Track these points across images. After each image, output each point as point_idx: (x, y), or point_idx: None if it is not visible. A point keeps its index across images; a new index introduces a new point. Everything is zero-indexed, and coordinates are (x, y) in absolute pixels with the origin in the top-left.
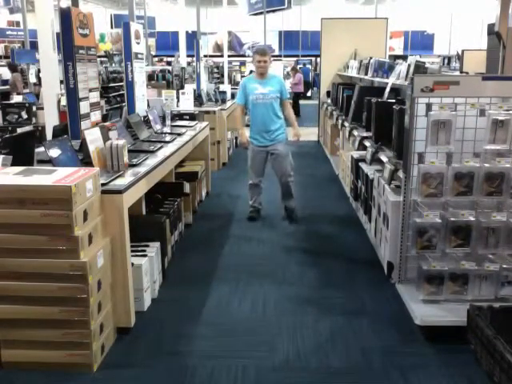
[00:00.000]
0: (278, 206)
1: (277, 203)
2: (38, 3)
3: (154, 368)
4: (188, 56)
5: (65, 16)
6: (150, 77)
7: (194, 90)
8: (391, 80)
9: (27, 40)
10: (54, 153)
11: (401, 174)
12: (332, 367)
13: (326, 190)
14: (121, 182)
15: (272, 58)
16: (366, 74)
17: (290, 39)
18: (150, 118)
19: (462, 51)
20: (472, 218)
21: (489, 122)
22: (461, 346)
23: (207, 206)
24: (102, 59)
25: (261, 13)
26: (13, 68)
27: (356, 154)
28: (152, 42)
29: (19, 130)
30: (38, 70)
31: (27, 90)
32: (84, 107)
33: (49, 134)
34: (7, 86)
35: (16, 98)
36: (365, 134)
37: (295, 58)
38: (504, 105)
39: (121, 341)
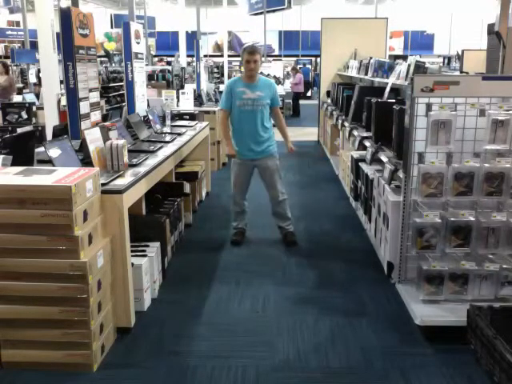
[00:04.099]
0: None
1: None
2: (38, 3)
3: (153, 368)
4: (188, 56)
5: (65, 16)
6: (150, 77)
7: (194, 90)
8: (391, 80)
9: (27, 40)
10: (54, 153)
11: (401, 174)
12: (332, 367)
13: (326, 190)
14: (121, 182)
15: (271, 58)
16: (366, 74)
17: (289, 39)
18: (150, 117)
19: (462, 51)
20: (472, 218)
21: (489, 122)
22: (461, 346)
23: (207, 206)
24: (102, 59)
25: (261, 13)
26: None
27: (356, 154)
28: (152, 41)
29: (19, 130)
30: (38, 70)
31: (27, 90)
32: (84, 107)
33: (49, 134)
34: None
35: (16, 98)
36: (365, 134)
37: (295, 58)
38: (504, 105)
39: (121, 341)
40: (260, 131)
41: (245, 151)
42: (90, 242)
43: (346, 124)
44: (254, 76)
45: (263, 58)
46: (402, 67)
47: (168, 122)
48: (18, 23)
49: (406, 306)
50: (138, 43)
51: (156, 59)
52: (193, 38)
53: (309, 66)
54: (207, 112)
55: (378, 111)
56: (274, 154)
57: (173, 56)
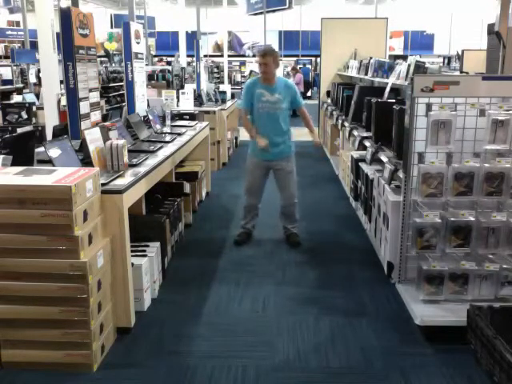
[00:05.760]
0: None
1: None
2: (38, 3)
3: (153, 368)
4: (188, 56)
5: (65, 16)
6: (150, 77)
7: (194, 90)
8: (391, 80)
9: (27, 40)
10: (54, 153)
11: (401, 174)
12: (332, 367)
13: (326, 190)
14: (121, 182)
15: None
16: (366, 74)
17: (290, 39)
18: (150, 117)
19: (462, 51)
20: (472, 218)
21: (489, 122)
22: (461, 346)
23: (207, 206)
24: (102, 59)
25: (261, 13)
26: None
27: (356, 154)
28: (152, 41)
29: (19, 130)
30: (38, 70)
31: (27, 90)
32: (84, 107)
33: (49, 134)
34: (8, 86)
35: (16, 98)
36: (365, 134)
37: (295, 58)
38: (504, 105)
39: (121, 341)
40: (277, 134)
41: (261, 151)
42: (90, 242)
43: (346, 124)
44: (269, 79)
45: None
46: (402, 67)
47: (168, 122)
48: (18, 23)
49: (406, 306)
50: (138, 43)
51: (156, 59)
52: (193, 38)
53: (309, 66)
54: (207, 112)
55: (378, 111)
56: (290, 155)
57: (173, 56)
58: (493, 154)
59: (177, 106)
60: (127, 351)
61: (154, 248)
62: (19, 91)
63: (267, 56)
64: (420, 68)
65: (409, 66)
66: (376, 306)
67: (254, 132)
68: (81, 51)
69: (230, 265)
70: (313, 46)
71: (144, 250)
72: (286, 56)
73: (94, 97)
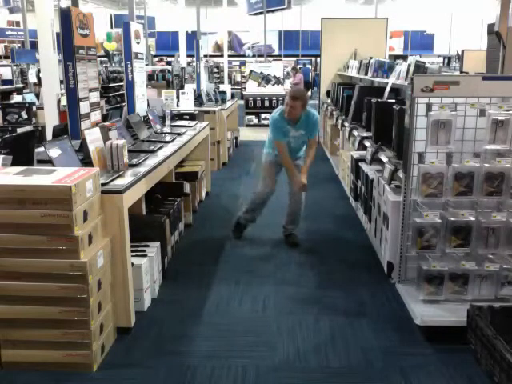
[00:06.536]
0: (279, 206)
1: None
2: (38, 3)
3: (154, 368)
4: (188, 56)
5: (65, 16)
6: (150, 77)
7: (194, 90)
8: (391, 80)
9: (27, 40)
10: (54, 153)
11: (401, 174)
12: (332, 367)
13: (326, 190)
14: (121, 182)
15: (271, 58)
16: (366, 74)
17: (289, 39)
18: (150, 117)
19: (462, 51)
20: (472, 218)
21: (489, 122)
22: (461, 346)
23: (207, 206)
24: (102, 59)
25: (261, 13)
26: None
27: (356, 154)
28: (152, 41)
29: (19, 130)
30: (38, 70)
31: (27, 90)
32: (84, 107)
33: (49, 134)
34: (8, 86)
35: (16, 98)
36: (365, 134)
37: (295, 58)
38: (504, 105)
39: (121, 341)
40: (297, 152)
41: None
42: (90, 242)
43: (346, 124)
44: (294, 118)
45: (263, 58)
46: (402, 67)
47: (168, 122)
48: (18, 23)
49: (406, 306)
50: (138, 43)
51: (156, 59)
52: (193, 38)
53: (309, 66)
54: (207, 112)
55: (377, 111)
56: (304, 155)
57: (173, 56)
58: (493, 153)
59: (177, 105)
60: (127, 351)
61: (153, 248)
62: (19, 91)
63: (297, 100)
64: (420, 68)
65: (409, 66)
66: (376, 306)
67: (295, 170)
68: (81, 51)
69: (229, 265)
70: (313, 46)
71: (144, 250)
72: (285, 56)
73: (94, 97)
